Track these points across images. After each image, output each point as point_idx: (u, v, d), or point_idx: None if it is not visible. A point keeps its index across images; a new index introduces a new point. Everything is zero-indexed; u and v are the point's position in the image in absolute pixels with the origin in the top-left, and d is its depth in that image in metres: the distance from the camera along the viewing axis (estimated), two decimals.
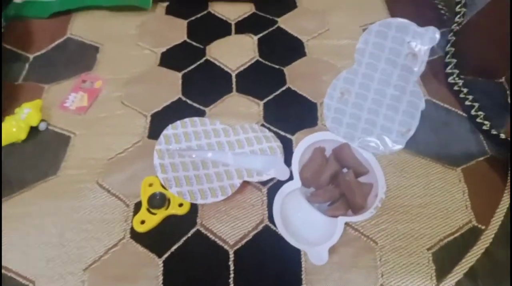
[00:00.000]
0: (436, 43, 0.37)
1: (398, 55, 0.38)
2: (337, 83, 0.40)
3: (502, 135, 0.45)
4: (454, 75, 0.51)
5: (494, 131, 0.46)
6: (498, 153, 0.45)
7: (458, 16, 0.53)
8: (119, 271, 0.37)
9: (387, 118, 0.40)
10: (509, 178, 0.43)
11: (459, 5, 0.54)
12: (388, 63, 0.38)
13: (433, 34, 0.36)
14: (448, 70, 0.51)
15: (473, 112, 0.48)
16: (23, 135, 0.45)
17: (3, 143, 0.45)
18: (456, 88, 0.50)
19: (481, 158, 0.44)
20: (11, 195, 0.42)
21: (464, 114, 0.48)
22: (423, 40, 0.37)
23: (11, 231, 0.40)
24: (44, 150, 0.45)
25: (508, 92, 0.49)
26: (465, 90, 0.50)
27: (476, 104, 0.48)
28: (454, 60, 0.51)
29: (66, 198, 0.41)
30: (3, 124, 0.45)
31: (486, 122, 0.47)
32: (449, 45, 0.53)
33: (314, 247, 0.35)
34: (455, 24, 0.53)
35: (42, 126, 0.46)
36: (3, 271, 0.38)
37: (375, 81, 0.39)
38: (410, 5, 0.61)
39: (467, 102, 0.49)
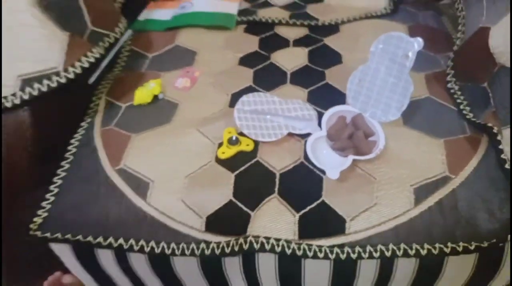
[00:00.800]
0: (421, 48, 0.56)
1: (396, 56, 0.58)
2: (356, 73, 0.61)
3: (481, 122, 0.62)
4: (452, 82, 0.69)
5: (475, 119, 0.63)
6: (476, 133, 0.62)
7: (457, 41, 0.72)
8: (206, 180, 0.58)
9: (388, 98, 0.59)
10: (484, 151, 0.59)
11: (459, 33, 0.73)
12: (390, 61, 0.58)
13: (419, 43, 0.56)
14: (448, 78, 0.70)
15: (461, 107, 0.65)
16: (148, 99, 0.68)
17: (135, 102, 0.69)
18: (452, 91, 0.68)
19: (461, 136, 0.62)
20: (139, 133, 0.65)
21: (455, 108, 0.66)
22: (412, 46, 0.57)
23: (139, 150, 0.62)
24: (161, 110, 0.68)
25: (490, 94, 0.66)
26: (458, 92, 0.68)
27: (465, 102, 0.66)
28: (452, 71, 0.70)
29: (175, 136, 0.63)
30: (136, 91, 0.70)
31: (470, 114, 0.64)
32: (450, 60, 0.71)
33: (331, 169, 0.54)
34: (455, 46, 0.72)
35: (161, 96, 0.70)
36: (133, 172, 0.60)
37: (381, 73, 0.59)
38: (429, 34, 0.81)
39: (458, 100, 0.66)
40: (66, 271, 0.65)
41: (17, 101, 0.59)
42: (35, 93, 0.59)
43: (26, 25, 0.58)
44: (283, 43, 0.80)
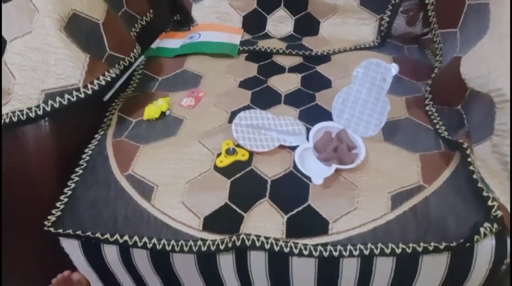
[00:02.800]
0: (396, 72, 0.65)
1: (375, 79, 0.66)
2: (340, 94, 0.68)
3: (454, 139, 0.68)
4: (430, 105, 0.77)
5: (450, 137, 0.70)
6: (449, 150, 0.68)
7: (436, 69, 0.80)
8: (205, 185, 0.65)
9: (369, 116, 0.67)
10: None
11: (437, 63, 0.81)
12: (370, 84, 0.66)
13: (395, 68, 0.65)
14: (426, 101, 0.77)
15: (437, 126, 0.72)
16: (157, 115, 0.76)
17: (145, 118, 0.77)
18: (430, 113, 0.75)
19: (436, 151, 0.68)
20: (147, 144, 0.72)
21: (431, 128, 0.73)
22: (389, 71, 0.65)
23: (146, 158, 0.69)
24: (168, 124, 0.75)
25: (464, 116, 0.72)
26: (435, 114, 0.75)
27: (441, 122, 0.73)
28: (430, 96, 0.78)
29: (179, 146, 0.70)
30: (146, 108, 0.78)
31: (445, 132, 0.71)
32: (427, 86, 0.79)
33: (316, 176, 0.61)
34: (433, 74, 0.80)
35: (168, 112, 0.78)
36: (140, 178, 0.67)
37: (362, 94, 0.67)
38: (411, 65, 0.89)
39: (435, 121, 0.73)
40: (74, 270, 0.71)
41: (40, 112, 0.67)
42: (57, 105, 0.67)
43: (52, 47, 0.67)
44: (279, 69, 0.89)
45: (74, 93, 0.68)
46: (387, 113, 0.66)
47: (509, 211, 0.58)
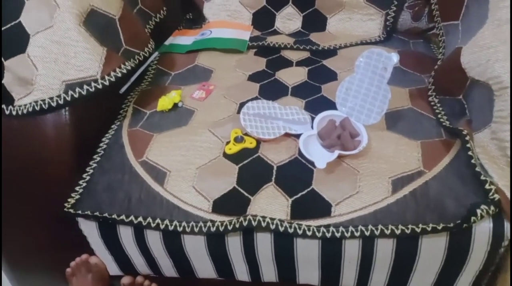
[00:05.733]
0: (397, 61, 0.67)
1: (377, 68, 0.69)
2: (344, 83, 0.71)
3: (455, 127, 0.70)
4: (432, 96, 0.79)
5: (451, 126, 0.72)
6: (450, 138, 0.70)
7: (439, 61, 0.83)
8: (214, 170, 0.68)
9: (371, 104, 0.69)
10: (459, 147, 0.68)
11: (440, 55, 0.84)
12: (372, 73, 0.69)
13: (396, 57, 0.67)
14: (429, 93, 0.80)
15: (439, 116, 0.74)
16: (169, 106, 0.80)
17: (158, 109, 0.81)
18: (432, 103, 0.78)
19: (437, 139, 0.71)
20: (160, 132, 0.76)
21: (434, 117, 0.75)
22: (390, 60, 0.68)
23: (160, 146, 0.72)
24: (180, 115, 0.79)
25: (465, 105, 0.74)
26: (438, 104, 0.77)
27: (443, 112, 0.75)
28: (433, 87, 0.80)
29: (190, 135, 0.74)
30: (159, 100, 0.82)
31: (447, 121, 0.73)
32: (431, 77, 0.82)
33: (319, 160, 0.64)
34: (436, 66, 0.82)
35: (180, 104, 0.82)
36: (153, 164, 0.71)
37: (365, 83, 0.70)
38: (416, 58, 0.92)
39: (437, 111, 0.75)
40: (91, 254, 0.75)
41: (61, 101, 0.71)
42: (76, 96, 0.72)
43: (72, 40, 0.72)
44: (287, 63, 0.92)
45: (93, 84, 0.72)
46: (388, 101, 0.68)
47: (508, 195, 0.60)
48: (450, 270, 0.64)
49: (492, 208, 0.58)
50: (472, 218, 0.58)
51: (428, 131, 0.72)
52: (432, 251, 0.62)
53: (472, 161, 0.63)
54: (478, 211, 0.58)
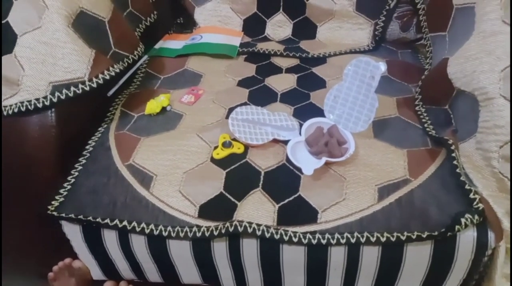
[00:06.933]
0: (385, 70, 0.68)
1: (365, 77, 0.69)
2: (332, 91, 0.72)
3: (440, 136, 0.71)
4: (419, 105, 0.80)
5: (437, 135, 0.73)
6: (436, 147, 0.71)
7: (426, 71, 0.84)
8: (201, 175, 0.68)
9: (358, 112, 0.70)
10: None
11: (427, 65, 0.85)
12: (360, 81, 0.70)
13: (383, 66, 0.68)
14: (416, 102, 0.81)
15: (426, 125, 0.75)
16: (158, 110, 0.79)
17: (146, 112, 0.80)
18: (418, 112, 0.78)
19: (423, 148, 0.71)
20: (147, 136, 0.76)
21: (420, 126, 0.76)
22: (377, 69, 0.68)
23: (147, 150, 0.72)
24: (168, 119, 0.79)
25: (451, 115, 0.75)
26: (424, 113, 0.78)
27: (429, 121, 0.76)
28: (420, 96, 0.81)
29: (178, 139, 0.73)
30: (148, 103, 0.81)
31: (433, 131, 0.74)
32: (418, 87, 0.83)
33: (307, 167, 0.64)
34: (423, 76, 0.84)
35: (168, 108, 0.81)
36: (140, 167, 0.70)
37: (353, 91, 0.70)
38: (404, 68, 0.93)
39: (423, 120, 0.76)
40: (74, 258, 0.74)
41: (47, 103, 0.71)
42: (63, 97, 0.71)
43: (60, 41, 0.71)
44: (276, 70, 0.92)
45: (80, 86, 0.72)
46: (376, 109, 0.69)
47: (492, 205, 0.61)
48: (435, 278, 0.65)
49: (476, 217, 0.59)
50: (457, 227, 0.59)
51: (415, 140, 0.73)
52: (417, 258, 0.62)
53: (457, 170, 0.64)
54: (463, 220, 0.58)
